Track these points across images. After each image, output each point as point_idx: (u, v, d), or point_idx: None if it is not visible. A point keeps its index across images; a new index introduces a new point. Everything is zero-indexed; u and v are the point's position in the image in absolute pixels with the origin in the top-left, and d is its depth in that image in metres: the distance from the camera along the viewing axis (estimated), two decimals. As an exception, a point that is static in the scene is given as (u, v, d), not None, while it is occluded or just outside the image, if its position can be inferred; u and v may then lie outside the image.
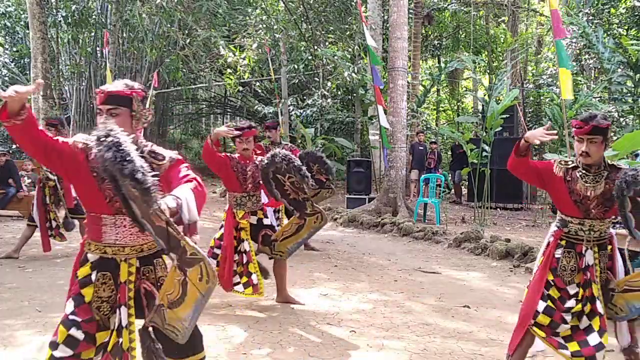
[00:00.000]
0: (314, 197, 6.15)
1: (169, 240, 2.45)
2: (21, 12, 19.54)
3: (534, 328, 3.54)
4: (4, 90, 2.39)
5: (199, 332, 2.89)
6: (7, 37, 21.83)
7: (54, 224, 8.04)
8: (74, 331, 2.63)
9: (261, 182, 5.44)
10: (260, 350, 4.44)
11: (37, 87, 2.48)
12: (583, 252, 3.58)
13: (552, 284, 3.58)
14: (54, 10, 17.67)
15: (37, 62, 14.21)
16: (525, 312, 3.64)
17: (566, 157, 3.54)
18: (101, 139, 2.33)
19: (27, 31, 16.74)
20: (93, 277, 2.74)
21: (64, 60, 20.20)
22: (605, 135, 3.46)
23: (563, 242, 3.63)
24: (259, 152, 7.29)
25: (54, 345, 2.62)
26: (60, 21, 17.30)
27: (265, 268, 5.72)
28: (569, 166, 3.60)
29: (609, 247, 3.69)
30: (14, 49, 21.31)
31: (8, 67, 21.29)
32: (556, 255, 3.62)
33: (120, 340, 2.69)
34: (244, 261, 5.45)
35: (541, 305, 3.54)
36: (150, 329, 2.74)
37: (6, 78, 21.51)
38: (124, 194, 2.34)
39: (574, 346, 3.46)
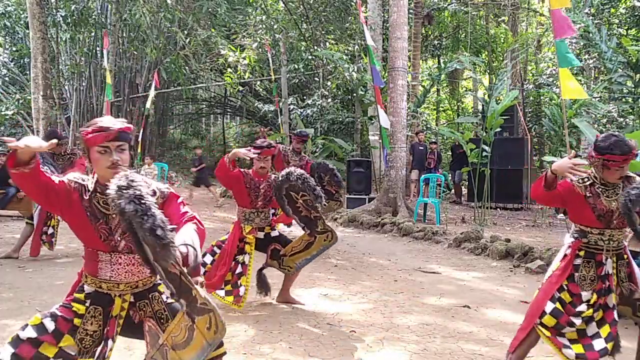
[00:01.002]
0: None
1: (180, 288, 2.45)
2: (21, 12, 19.53)
3: (539, 327, 3.54)
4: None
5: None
6: (7, 37, 21.82)
7: (50, 230, 8.02)
8: (47, 321, 2.62)
9: (274, 198, 5.43)
10: (260, 350, 4.43)
11: (51, 145, 2.47)
12: (603, 261, 3.58)
13: (565, 288, 3.59)
14: (54, 10, 17.67)
15: (37, 62, 14.22)
16: (531, 312, 3.64)
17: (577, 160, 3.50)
18: (122, 190, 2.34)
19: (27, 31, 16.76)
20: (87, 304, 2.75)
21: (63, 60, 20.21)
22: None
23: (582, 253, 3.63)
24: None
25: (23, 327, 2.63)
26: (59, 21, 17.30)
27: (268, 283, 5.75)
28: (587, 183, 3.59)
29: (625, 256, 3.70)
30: (14, 49, 21.33)
31: (8, 67, 21.31)
32: (574, 264, 3.64)
33: None
34: (237, 271, 5.44)
35: (549, 307, 3.54)
36: None
37: (6, 78, 21.57)
38: (137, 238, 2.35)
39: (578, 348, 3.45)
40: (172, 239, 2.29)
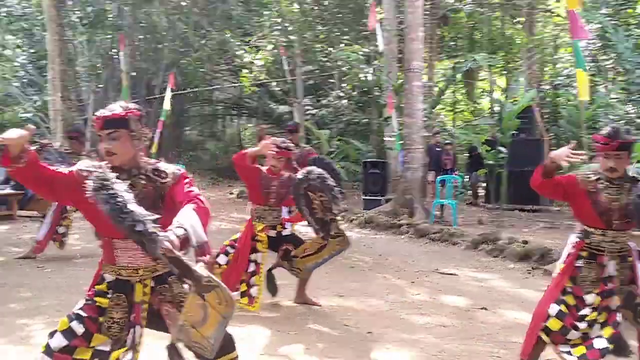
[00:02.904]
0: None
1: (183, 269, 2.47)
2: (38, 14, 19.69)
3: (542, 333, 3.53)
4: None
5: (227, 332, 2.85)
6: (25, 39, 21.99)
7: (61, 229, 8.08)
8: (75, 324, 2.66)
9: (292, 196, 5.44)
10: (277, 351, 4.45)
11: (30, 132, 2.54)
12: (605, 263, 3.57)
13: (570, 291, 3.59)
14: (70, 12, 17.82)
15: (55, 63, 14.35)
16: (536, 315, 3.64)
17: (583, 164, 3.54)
18: (96, 191, 2.39)
19: (45, 33, 16.89)
20: (109, 295, 2.78)
21: (81, 62, 20.38)
22: (630, 149, 3.49)
23: (584, 253, 3.63)
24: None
25: (51, 334, 2.66)
26: (76, 22, 17.44)
27: (275, 284, 5.76)
28: (591, 179, 3.59)
29: (629, 258, 3.67)
30: (32, 51, 21.50)
31: (26, 69, 21.46)
32: (576, 265, 3.63)
33: (130, 356, 2.73)
34: (250, 270, 5.45)
35: (554, 309, 3.53)
36: (178, 344, 2.75)
37: (24, 80, 21.71)
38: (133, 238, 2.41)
39: (580, 350, 3.45)
40: (154, 230, 2.32)
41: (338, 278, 7.20)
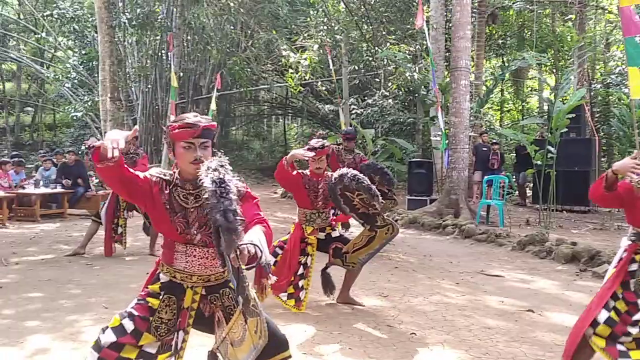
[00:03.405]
0: None
1: (240, 284, 2.52)
2: (89, 16, 20.12)
3: (593, 339, 3.43)
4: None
5: (280, 332, 2.89)
6: (76, 41, 22.53)
7: (119, 229, 8.26)
8: (126, 321, 2.72)
9: (329, 198, 5.46)
10: (319, 351, 4.47)
11: (133, 133, 2.61)
12: None
13: (620, 296, 3.47)
14: (121, 14, 18.16)
15: (105, 64, 14.64)
16: (583, 319, 3.56)
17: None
18: (209, 170, 2.49)
19: (96, 35, 17.26)
20: (161, 295, 2.85)
21: (130, 63, 20.76)
22: None
23: (638, 257, 3.52)
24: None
25: (103, 330, 2.73)
26: (125, 23, 17.76)
27: (332, 283, 5.78)
28: None
29: None
30: (83, 52, 21.97)
31: (77, 70, 21.98)
32: (630, 269, 3.51)
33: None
34: (299, 272, 5.48)
35: (603, 315, 3.44)
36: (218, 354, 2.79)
37: (75, 80, 22.24)
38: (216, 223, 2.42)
39: (636, 354, 3.37)
40: (240, 227, 2.36)
41: (382, 278, 7.21)
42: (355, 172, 5.30)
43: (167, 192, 2.81)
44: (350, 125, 18.79)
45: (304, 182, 5.48)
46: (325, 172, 5.61)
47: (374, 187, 5.24)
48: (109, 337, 2.67)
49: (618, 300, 3.47)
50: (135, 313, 2.76)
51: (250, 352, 2.54)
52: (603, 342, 3.41)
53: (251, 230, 2.58)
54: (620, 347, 3.40)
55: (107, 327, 2.72)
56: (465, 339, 4.84)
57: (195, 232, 2.81)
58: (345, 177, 5.20)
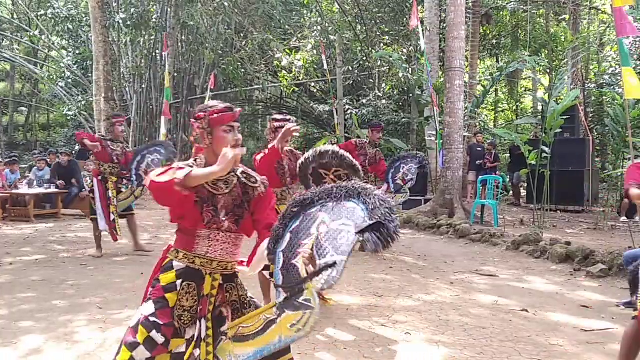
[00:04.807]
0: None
1: (291, 279, 2.47)
2: (84, 16, 20.10)
3: None
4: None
5: None
6: (70, 41, 22.45)
7: (112, 217, 8.23)
8: (154, 334, 2.65)
9: (298, 178, 5.39)
10: (315, 350, 4.49)
11: (240, 153, 2.57)
12: None
13: None
14: (115, 14, 18.15)
15: (99, 64, 14.64)
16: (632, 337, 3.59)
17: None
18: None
19: (90, 34, 17.23)
20: (178, 285, 2.76)
21: (124, 62, 20.74)
22: None
23: None
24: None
25: (133, 346, 2.64)
26: (119, 23, 17.75)
27: None
28: None
29: None
30: (77, 52, 21.95)
31: (71, 70, 21.97)
32: None
33: (198, 352, 2.70)
34: None
35: None
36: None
37: (69, 80, 22.26)
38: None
39: None
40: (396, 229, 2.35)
41: (377, 278, 7.24)
42: (337, 149, 5.24)
43: None
44: (346, 126, 18.83)
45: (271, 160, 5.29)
46: (286, 150, 5.54)
47: (356, 163, 5.22)
48: (143, 354, 2.63)
49: None
50: (160, 322, 2.68)
51: (269, 345, 2.52)
52: None
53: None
54: None
55: (137, 343, 2.64)
56: (459, 338, 4.86)
57: (223, 218, 2.77)
58: (326, 154, 5.14)
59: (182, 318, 2.71)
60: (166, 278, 2.78)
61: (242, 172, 2.91)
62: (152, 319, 2.68)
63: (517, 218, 12.80)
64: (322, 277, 2.37)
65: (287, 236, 2.57)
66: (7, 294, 6.14)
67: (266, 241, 2.64)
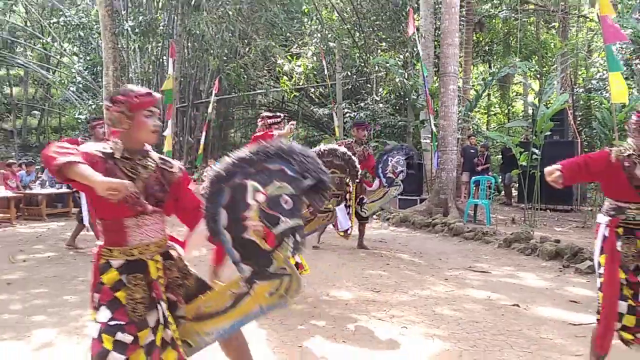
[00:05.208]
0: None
1: (251, 253, 2.50)
2: (94, 23, 20.27)
3: (621, 332, 3.47)
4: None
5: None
6: (81, 47, 22.71)
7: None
8: (120, 335, 2.56)
9: None
10: (314, 344, 4.57)
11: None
12: None
13: (625, 282, 3.47)
14: (124, 22, 18.36)
15: (109, 70, 14.81)
16: (606, 315, 3.48)
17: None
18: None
19: (100, 41, 17.42)
20: (124, 280, 2.68)
21: (133, 68, 20.96)
22: None
23: (620, 230, 3.55)
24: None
25: (102, 356, 2.53)
26: (128, 30, 17.94)
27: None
28: (625, 154, 3.54)
29: None
30: (88, 58, 22.16)
31: (82, 75, 22.24)
32: (618, 249, 3.51)
33: (169, 332, 2.69)
34: None
35: (623, 306, 3.44)
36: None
37: (80, 85, 22.52)
38: (217, 205, 2.51)
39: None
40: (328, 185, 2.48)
41: (374, 274, 7.38)
42: (345, 150, 5.30)
43: (110, 166, 2.62)
44: (344, 129, 19.04)
45: None
46: None
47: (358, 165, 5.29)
48: (119, 358, 2.52)
49: (624, 287, 3.47)
50: (122, 323, 2.58)
51: (246, 316, 2.58)
52: (629, 334, 3.47)
53: None
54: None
55: (106, 351, 2.53)
56: (453, 332, 4.93)
57: (145, 201, 2.69)
58: (337, 151, 5.19)
59: (136, 310, 2.63)
60: (109, 278, 2.69)
61: (160, 158, 2.87)
62: (112, 323, 2.59)
63: (508, 217, 13.00)
64: (287, 244, 2.45)
65: (223, 212, 2.53)
66: (20, 289, 6.28)
67: (202, 221, 2.63)
